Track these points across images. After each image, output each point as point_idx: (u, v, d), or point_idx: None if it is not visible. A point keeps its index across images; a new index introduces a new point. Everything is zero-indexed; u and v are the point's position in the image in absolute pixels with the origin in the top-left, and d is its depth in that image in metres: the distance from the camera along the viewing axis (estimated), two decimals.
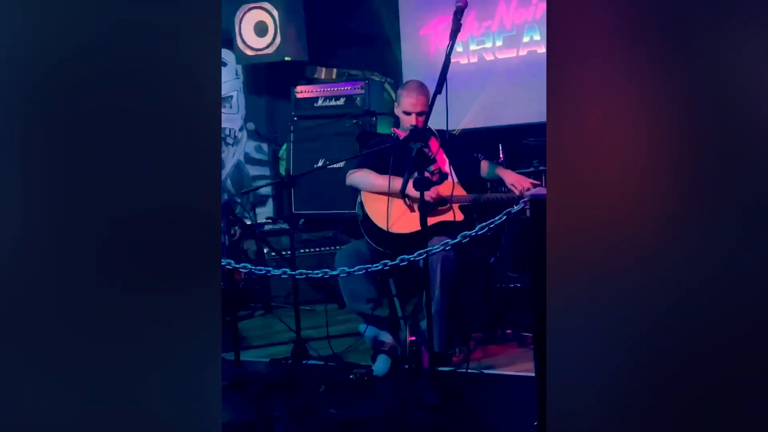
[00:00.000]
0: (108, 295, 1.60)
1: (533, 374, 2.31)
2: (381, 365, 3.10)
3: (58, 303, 1.58)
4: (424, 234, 2.71)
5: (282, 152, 4.98)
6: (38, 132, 1.57)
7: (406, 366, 3.07)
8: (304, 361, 3.21)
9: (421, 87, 3.32)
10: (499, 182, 3.30)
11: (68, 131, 1.58)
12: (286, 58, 4.89)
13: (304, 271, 2.62)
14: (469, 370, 2.95)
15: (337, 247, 4.15)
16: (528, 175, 3.36)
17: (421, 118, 3.12)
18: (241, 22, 4.98)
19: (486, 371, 3.02)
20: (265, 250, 4.63)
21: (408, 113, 3.27)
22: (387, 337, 3.18)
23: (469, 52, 4.59)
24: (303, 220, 4.75)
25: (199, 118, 1.64)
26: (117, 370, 1.60)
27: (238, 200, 5.21)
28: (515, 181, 3.20)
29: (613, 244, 1.59)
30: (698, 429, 1.54)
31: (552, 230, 1.64)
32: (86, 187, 1.59)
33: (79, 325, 1.59)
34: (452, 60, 2.70)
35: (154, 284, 1.61)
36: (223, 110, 5.34)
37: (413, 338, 3.06)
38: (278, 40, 4.86)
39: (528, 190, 3.10)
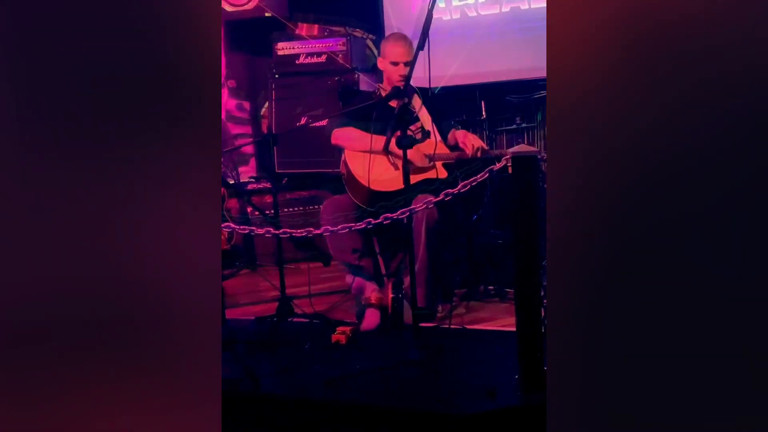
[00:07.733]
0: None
1: (514, 329, 2.36)
2: (369, 320, 3.12)
3: None
4: (408, 192, 2.71)
5: (263, 110, 4.93)
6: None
7: (390, 323, 3.10)
8: (289, 319, 3.24)
9: (406, 38, 3.29)
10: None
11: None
12: (267, 14, 4.80)
13: (287, 230, 2.64)
14: (451, 326, 2.99)
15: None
16: (510, 132, 3.36)
17: (408, 68, 3.09)
18: None
19: (468, 327, 3.06)
20: (249, 209, 4.62)
21: (395, 63, 3.23)
22: (373, 290, 3.21)
23: (451, 7, 4.53)
24: (286, 179, 4.73)
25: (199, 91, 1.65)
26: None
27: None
28: (466, 140, 3.19)
29: (613, 208, 1.60)
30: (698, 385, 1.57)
31: (552, 191, 1.64)
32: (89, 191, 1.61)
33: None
34: (434, 16, 2.68)
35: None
36: None
37: (393, 295, 3.08)
38: None
39: (480, 148, 3.11)
